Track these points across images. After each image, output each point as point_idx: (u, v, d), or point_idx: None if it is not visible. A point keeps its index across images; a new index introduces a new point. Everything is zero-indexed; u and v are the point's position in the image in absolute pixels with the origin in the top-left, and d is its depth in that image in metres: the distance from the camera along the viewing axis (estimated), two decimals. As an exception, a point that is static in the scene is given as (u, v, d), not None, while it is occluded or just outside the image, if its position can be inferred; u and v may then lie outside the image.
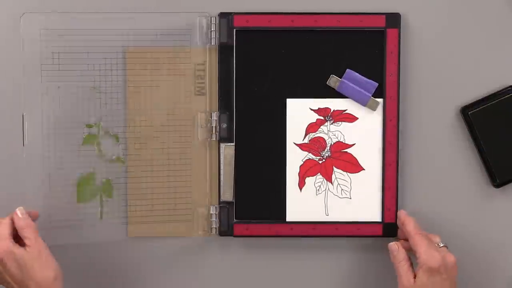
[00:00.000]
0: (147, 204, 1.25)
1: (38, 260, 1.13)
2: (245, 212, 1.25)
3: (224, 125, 1.24)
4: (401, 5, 1.24)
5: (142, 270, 1.26)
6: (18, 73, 1.21)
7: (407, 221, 1.20)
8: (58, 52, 1.21)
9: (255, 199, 1.25)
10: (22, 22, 1.20)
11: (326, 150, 1.24)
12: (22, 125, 1.21)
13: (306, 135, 1.24)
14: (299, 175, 1.25)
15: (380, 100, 1.24)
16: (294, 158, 1.24)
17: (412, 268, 1.17)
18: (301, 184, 1.25)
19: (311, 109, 1.24)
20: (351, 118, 1.24)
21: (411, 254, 1.18)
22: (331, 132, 1.24)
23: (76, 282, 1.26)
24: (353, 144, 1.25)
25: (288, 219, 1.25)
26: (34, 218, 1.18)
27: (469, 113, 1.24)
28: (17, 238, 1.16)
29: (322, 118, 1.24)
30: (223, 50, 1.23)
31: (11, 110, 1.23)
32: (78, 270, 1.26)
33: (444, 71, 1.25)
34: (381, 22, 1.23)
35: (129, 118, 1.24)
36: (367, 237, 1.25)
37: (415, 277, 1.16)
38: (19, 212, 1.16)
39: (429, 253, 1.15)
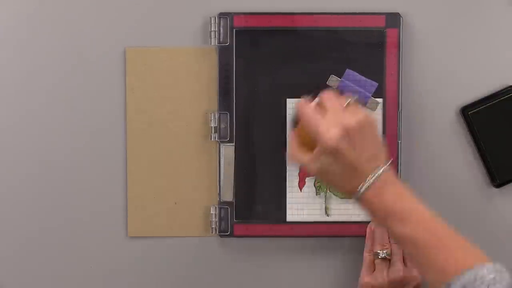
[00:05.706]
0: (147, 204, 1.25)
1: None
2: (245, 212, 1.25)
3: (224, 125, 1.24)
4: (401, 5, 1.24)
5: (142, 270, 1.26)
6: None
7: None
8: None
9: (255, 199, 1.25)
10: None
11: (326, 150, 1.24)
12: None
13: (306, 135, 1.24)
14: (299, 175, 1.25)
15: (380, 100, 1.24)
16: (294, 158, 1.24)
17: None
18: (301, 184, 1.25)
19: (311, 109, 1.24)
20: (351, 118, 1.24)
21: None
22: (331, 132, 1.24)
23: (76, 282, 1.26)
24: (353, 144, 1.24)
25: (288, 219, 1.25)
26: None
27: (469, 113, 1.24)
28: None
29: (322, 118, 1.24)
30: (223, 50, 1.23)
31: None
32: (78, 270, 1.26)
33: (444, 71, 1.25)
34: (381, 22, 1.23)
35: (129, 118, 1.24)
36: (367, 237, 1.25)
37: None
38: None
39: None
